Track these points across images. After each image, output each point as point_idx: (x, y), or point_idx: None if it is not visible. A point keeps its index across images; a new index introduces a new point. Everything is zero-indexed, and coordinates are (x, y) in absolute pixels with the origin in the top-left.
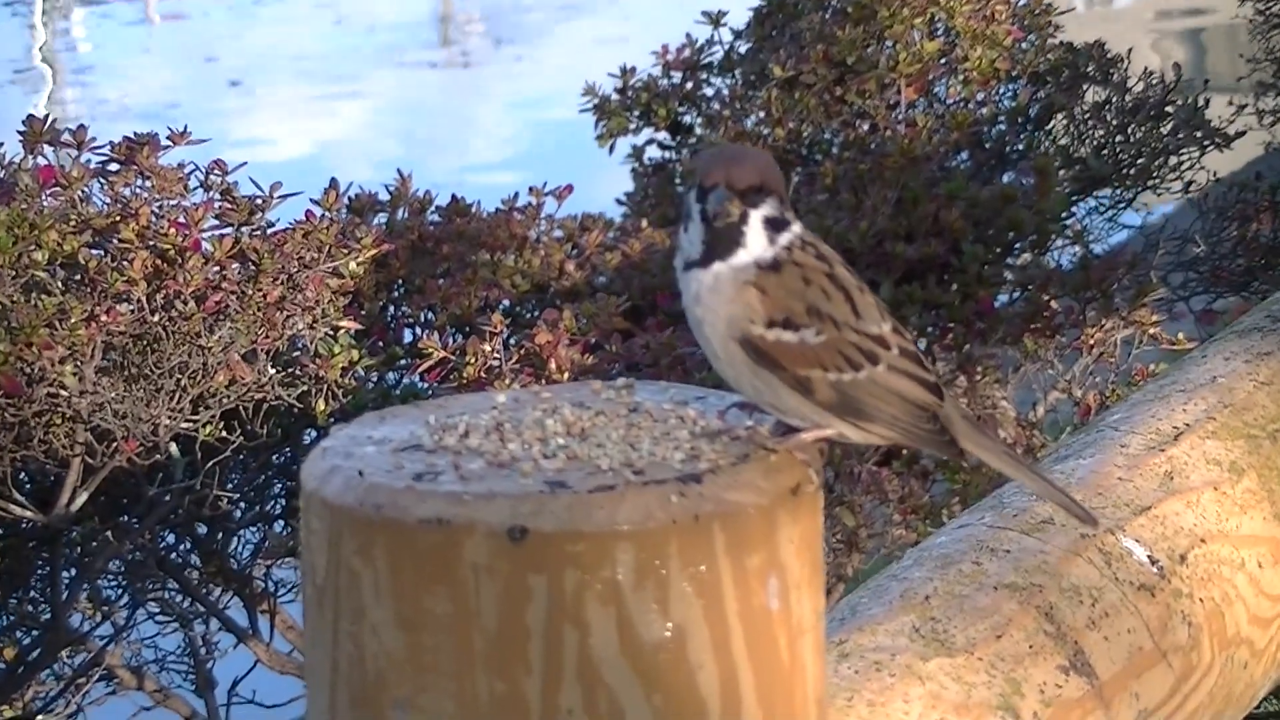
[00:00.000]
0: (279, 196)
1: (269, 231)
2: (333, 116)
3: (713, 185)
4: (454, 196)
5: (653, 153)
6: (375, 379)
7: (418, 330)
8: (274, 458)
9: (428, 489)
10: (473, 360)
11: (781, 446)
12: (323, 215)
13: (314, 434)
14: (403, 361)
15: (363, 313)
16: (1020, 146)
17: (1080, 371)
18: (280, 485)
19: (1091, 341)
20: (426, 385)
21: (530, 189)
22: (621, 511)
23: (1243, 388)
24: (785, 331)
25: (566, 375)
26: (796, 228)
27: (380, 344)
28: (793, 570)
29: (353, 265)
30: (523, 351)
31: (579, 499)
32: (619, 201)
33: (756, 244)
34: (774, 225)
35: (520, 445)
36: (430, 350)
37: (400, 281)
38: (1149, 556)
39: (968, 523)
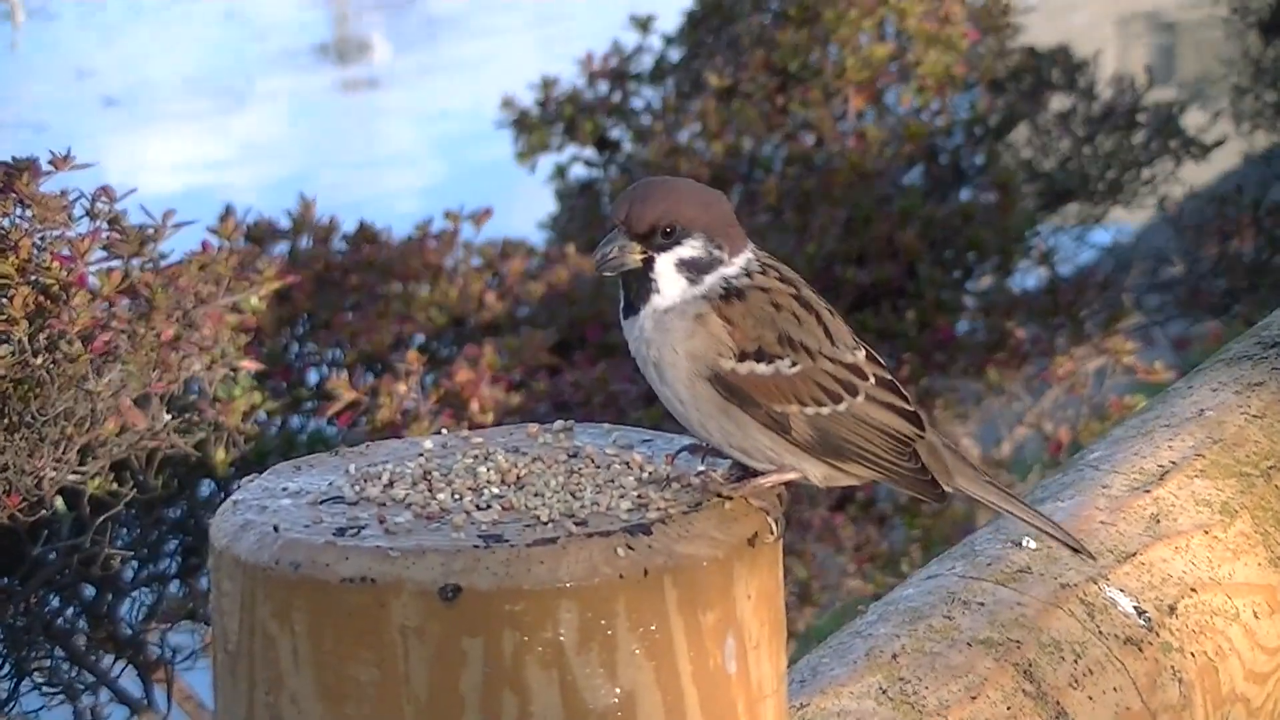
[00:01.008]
0: (172, 225)
1: (161, 264)
2: (223, 137)
3: (610, 227)
4: (362, 222)
5: (578, 171)
6: (279, 424)
7: (324, 370)
8: (168, 512)
9: (351, 545)
10: (387, 402)
11: (737, 493)
12: (220, 245)
13: (213, 486)
14: (309, 404)
15: (264, 351)
16: (979, 160)
17: (1049, 405)
18: (176, 542)
19: (1061, 372)
20: (336, 430)
21: (445, 213)
22: (564, 566)
23: (1233, 421)
24: (758, 364)
25: (490, 416)
26: (748, 253)
27: (284, 385)
28: (751, 628)
29: (254, 300)
30: (441, 391)
31: (517, 553)
32: (542, 226)
33: (671, 290)
34: (696, 267)
35: (451, 495)
36: (339, 391)
37: (305, 316)
38: (1135, 607)
39: (937, 573)
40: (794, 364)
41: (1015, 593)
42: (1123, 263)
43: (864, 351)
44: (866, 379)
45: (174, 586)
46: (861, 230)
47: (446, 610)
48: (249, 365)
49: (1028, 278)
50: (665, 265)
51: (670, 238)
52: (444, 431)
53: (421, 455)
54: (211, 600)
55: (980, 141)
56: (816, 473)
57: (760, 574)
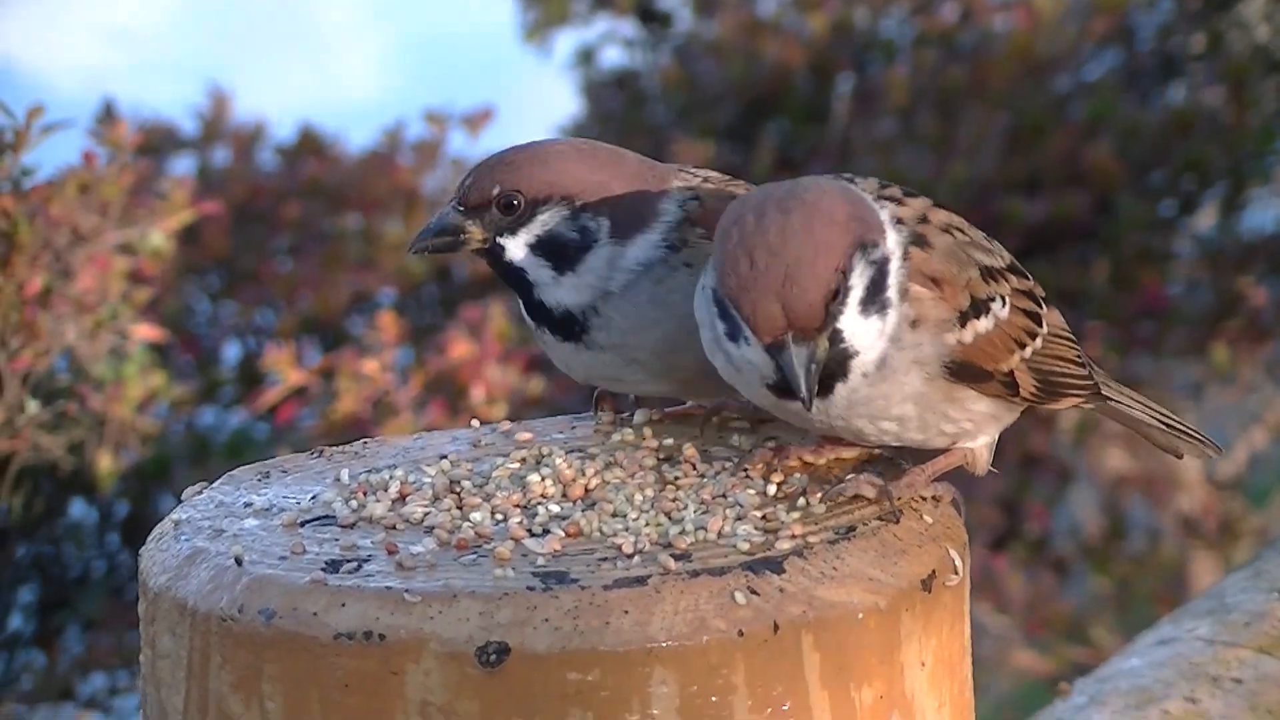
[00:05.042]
0: (40, 127)
1: (24, 184)
2: (99, 5)
3: (775, 342)
4: (305, 126)
5: (612, 55)
6: (183, 420)
7: (249, 341)
8: (22, 548)
9: (349, 586)
10: (349, 387)
11: (919, 487)
12: (110, 157)
13: (89, 508)
14: (227, 389)
15: (163, 313)
16: (1195, 44)
17: None
18: (36, 587)
19: None
20: (270, 429)
21: (426, 114)
22: (658, 619)
23: None
24: (979, 320)
25: (502, 409)
26: (888, 209)
27: (190, 363)
28: (926, 709)
29: (155, 237)
30: (428, 373)
31: (589, 600)
32: (562, 132)
33: (871, 346)
34: (876, 288)
35: (491, 516)
36: (279, 372)
37: (222, 264)
38: None
39: (1173, 636)
40: (1003, 301)
41: None
42: None
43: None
44: (1028, 277)
45: (29, 653)
46: (1031, 145)
47: (487, 680)
48: (146, 333)
49: (1262, 215)
50: (854, 329)
51: (841, 294)
52: (476, 424)
53: (445, 458)
54: (142, 665)
55: (1198, 18)
56: (986, 442)
57: (939, 631)
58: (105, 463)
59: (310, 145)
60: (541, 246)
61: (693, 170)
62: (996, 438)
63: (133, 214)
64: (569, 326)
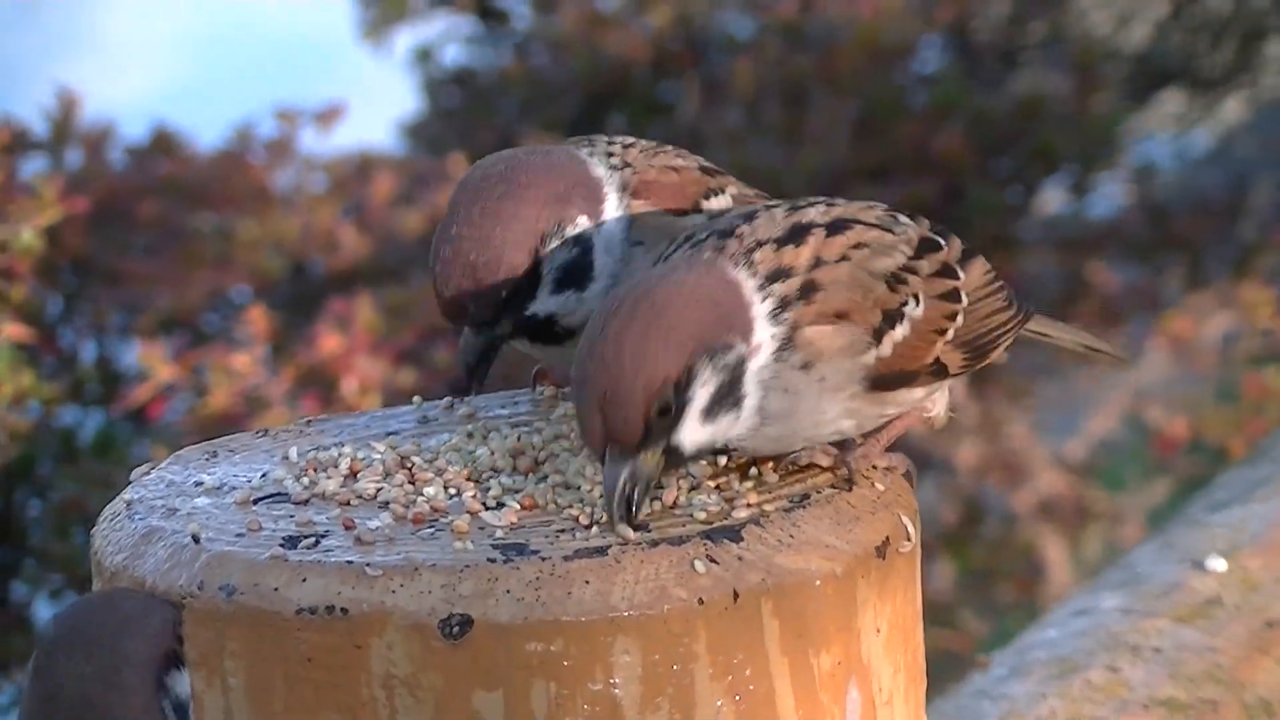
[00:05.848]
0: None
1: None
2: None
3: (598, 453)
4: (157, 126)
5: (453, 53)
6: (45, 420)
7: (106, 340)
8: None
9: (310, 561)
10: (221, 382)
11: (873, 458)
12: None
13: None
14: (88, 388)
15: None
16: (1030, 36)
17: (1154, 379)
18: None
19: (1170, 334)
20: (133, 428)
21: (278, 112)
22: (619, 589)
23: None
24: (895, 329)
25: (376, 400)
26: (771, 298)
27: (53, 362)
28: (882, 675)
29: (26, 235)
30: (299, 366)
31: (549, 570)
32: (404, 132)
33: (726, 435)
34: (727, 391)
35: (443, 489)
36: (151, 368)
37: (80, 263)
38: None
39: (1088, 607)
40: (916, 300)
41: (1203, 634)
42: (1253, 177)
43: (899, 213)
44: (940, 246)
45: None
46: (880, 133)
47: (451, 652)
48: (15, 332)
49: (1118, 199)
50: (693, 434)
51: (670, 412)
52: (417, 401)
53: (391, 434)
54: None
55: (1036, 8)
56: (944, 404)
57: (893, 598)
58: None
59: (163, 144)
60: (560, 284)
61: (609, 138)
62: (948, 392)
63: (3, 211)
64: (560, 335)
